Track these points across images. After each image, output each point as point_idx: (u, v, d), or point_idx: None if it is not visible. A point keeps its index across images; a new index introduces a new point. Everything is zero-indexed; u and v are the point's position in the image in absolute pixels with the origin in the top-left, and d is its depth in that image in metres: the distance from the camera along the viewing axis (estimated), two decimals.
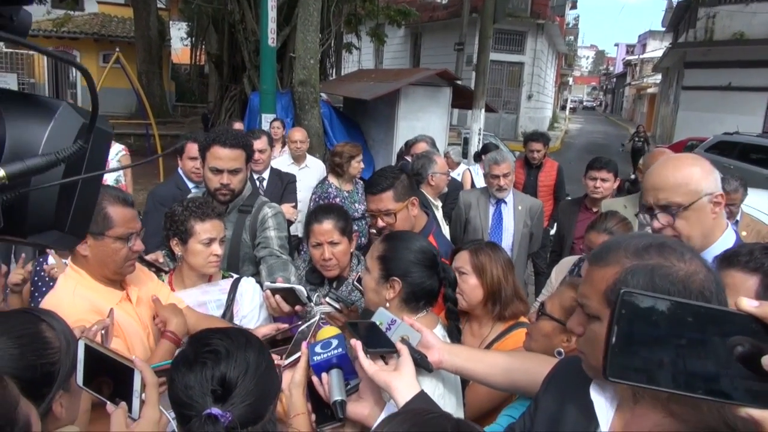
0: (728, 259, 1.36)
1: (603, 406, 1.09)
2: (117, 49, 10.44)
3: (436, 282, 1.74)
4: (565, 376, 1.24)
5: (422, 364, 1.35)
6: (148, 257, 2.41)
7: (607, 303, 1.02)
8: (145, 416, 1.15)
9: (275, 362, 1.28)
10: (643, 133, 18.18)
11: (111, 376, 1.22)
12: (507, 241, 4.05)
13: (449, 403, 1.56)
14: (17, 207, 0.65)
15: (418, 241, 1.80)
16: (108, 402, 1.19)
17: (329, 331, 1.49)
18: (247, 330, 1.26)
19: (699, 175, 1.68)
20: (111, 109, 16.28)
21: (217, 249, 2.22)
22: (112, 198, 1.82)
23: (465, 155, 9.53)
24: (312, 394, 1.41)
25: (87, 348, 1.24)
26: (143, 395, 1.16)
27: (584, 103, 70.55)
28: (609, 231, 2.65)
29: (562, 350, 1.62)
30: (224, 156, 2.56)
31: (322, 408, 1.39)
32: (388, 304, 1.64)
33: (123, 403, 1.17)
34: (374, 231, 2.65)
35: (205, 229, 2.20)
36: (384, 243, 1.81)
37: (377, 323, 1.45)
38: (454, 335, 1.87)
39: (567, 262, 3.09)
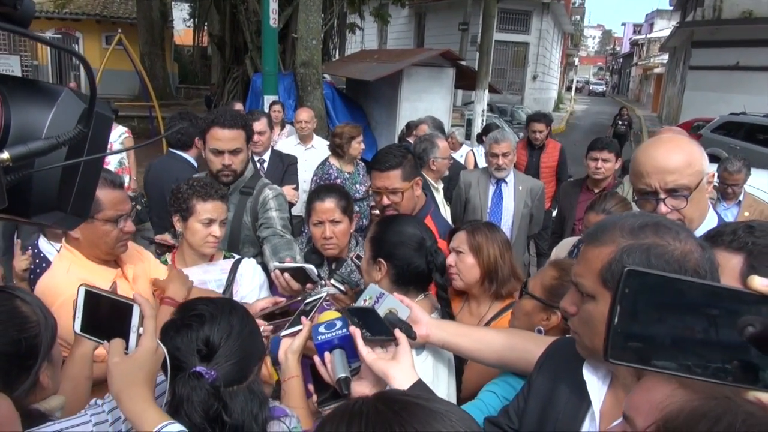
0: (712, 239, 1.33)
1: (595, 385, 1.10)
2: (119, 31, 10.40)
3: (425, 264, 1.75)
4: (558, 356, 1.25)
5: (406, 333, 1.36)
6: (157, 238, 2.47)
7: (602, 282, 1.02)
8: (143, 344, 1.15)
9: (262, 329, 1.38)
10: (626, 116, 16.60)
11: (111, 318, 1.23)
12: (506, 221, 4.06)
13: (441, 385, 1.59)
14: (22, 188, 0.69)
15: (406, 224, 1.83)
16: (105, 342, 1.20)
17: (331, 314, 1.52)
18: (234, 300, 1.32)
19: (699, 155, 1.63)
20: (113, 92, 16.20)
21: (216, 230, 2.24)
22: (101, 180, 1.79)
23: (468, 137, 9.50)
24: (314, 375, 1.43)
25: (87, 293, 1.26)
26: (140, 329, 1.16)
27: (591, 87, 62.05)
28: (608, 212, 2.66)
29: (542, 328, 1.65)
30: (224, 137, 2.58)
31: (323, 389, 1.43)
32: (378, 285, 1.67)
33: (120, 338, 1.18)
34: (377, 212, 2.67)
35: (205, 209, 2.22)
36: (376, 225, 1.86)
37: (366, 298, 1.49)
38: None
39: (567, 243, 3.10)
